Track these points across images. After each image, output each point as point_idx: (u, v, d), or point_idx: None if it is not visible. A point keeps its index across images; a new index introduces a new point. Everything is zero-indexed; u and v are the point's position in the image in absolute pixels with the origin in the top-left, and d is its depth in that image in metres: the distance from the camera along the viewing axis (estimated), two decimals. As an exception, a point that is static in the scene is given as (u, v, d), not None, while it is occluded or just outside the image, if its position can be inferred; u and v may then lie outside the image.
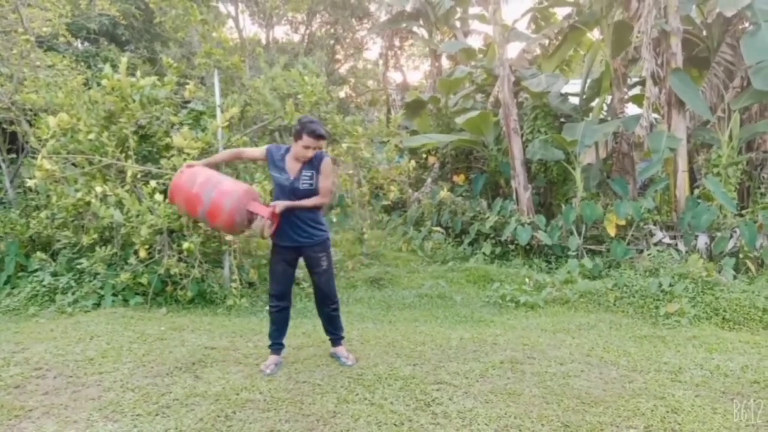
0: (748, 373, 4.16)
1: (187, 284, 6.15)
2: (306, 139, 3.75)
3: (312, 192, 3.86)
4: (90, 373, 3.90)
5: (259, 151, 4.07)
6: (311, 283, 4.26)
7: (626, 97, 10.64)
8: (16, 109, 7.79)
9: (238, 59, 6.98)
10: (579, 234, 8.77)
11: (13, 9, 8.25)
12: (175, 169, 6.19)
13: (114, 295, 6.15)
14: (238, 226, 3.87)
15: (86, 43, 13.36)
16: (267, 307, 4.16)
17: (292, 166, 3.88)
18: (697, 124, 9.54)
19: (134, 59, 12.18)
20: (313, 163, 3.86)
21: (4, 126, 8.52)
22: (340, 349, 4.26)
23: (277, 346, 4.15)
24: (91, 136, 6.27)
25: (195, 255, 6.04)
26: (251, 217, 3.83)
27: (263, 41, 20.92)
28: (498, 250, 9.50)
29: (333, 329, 4.28)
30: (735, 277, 7.04)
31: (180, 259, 6.08)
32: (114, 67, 6.83)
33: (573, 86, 11.80)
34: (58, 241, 6.54)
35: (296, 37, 22.58)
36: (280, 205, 3.77)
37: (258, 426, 3.18)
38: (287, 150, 3.94)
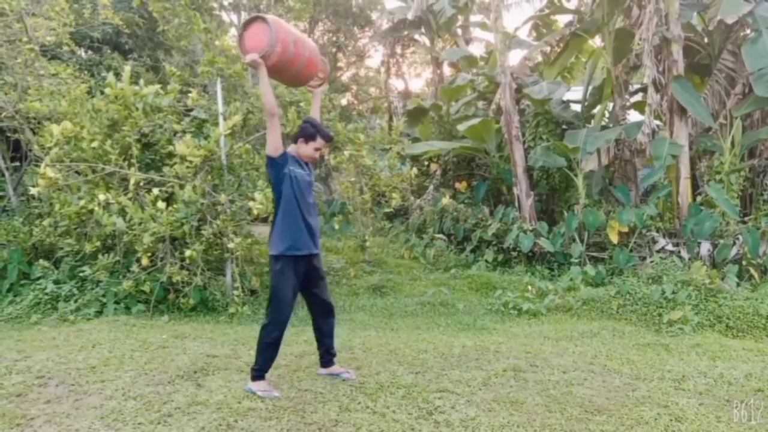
0: (752, 381, 4.14)
1: (190, 292, 6.15)
2: (320, 142, 3.87)
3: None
4: (92, 382, 3.90)
5: (280, 139, 3.82)
6: (311, 300, 4.04)
7: (628, 104, 10.65)
8: (20, 118, 7.84)
9: (241, 67, 7.02)
10: (581, 241, 8.75)
11: (18, 18, 8.31)
12: (178, 177, 6.21)
13: (116, 303, 6.16)
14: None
15: (90, 52, 13.41)
16: (264, 334, 3.76)
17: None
18: (699, 131, 9.53)
19: (137, 68, 12.22)
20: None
21: (8, 134, 8.56)
22: (336, 367, 4.11)
23: (266, 370, 3.87)
24: (95, 144, 6.31)
25: (197, 263, 6.05)
26: None
27: (266, 49, 20.91)
28: (500, 257, 9.49)
29: (331, 342, 4.11)
30: (738, 285, 7.01)
31: (182, 267, 6.09)
32: (117, 75, 6.86)
33: (575, 93, 11.81)
34: (61, 248, 6.55)
35: (298, 45, 22.64)
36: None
37: (260, 435, 3.17)
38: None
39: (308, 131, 3.87)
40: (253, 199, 5.99)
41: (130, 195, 6.22)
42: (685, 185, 8.48)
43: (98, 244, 6.21)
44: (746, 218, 8.37)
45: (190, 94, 6.96)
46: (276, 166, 3.77)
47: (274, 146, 3.75)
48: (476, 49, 17.23)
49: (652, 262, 7.67)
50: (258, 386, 3.75)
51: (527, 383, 4.00)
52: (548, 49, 12.25)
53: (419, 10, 15.33)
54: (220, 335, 5.24)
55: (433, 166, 13.16)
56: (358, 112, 21.54)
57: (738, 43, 8.89)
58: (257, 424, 3.28)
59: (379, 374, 4.11)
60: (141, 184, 6.36)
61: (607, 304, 6.67)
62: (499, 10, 10.25)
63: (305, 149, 3.87)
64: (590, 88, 10.82)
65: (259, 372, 3.79)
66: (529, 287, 7.55)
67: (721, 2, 8.02)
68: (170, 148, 6.41)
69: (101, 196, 6.02)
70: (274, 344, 3.80)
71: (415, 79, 27.17)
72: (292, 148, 3.90)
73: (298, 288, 3.85)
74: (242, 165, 6.87)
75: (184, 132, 6.66)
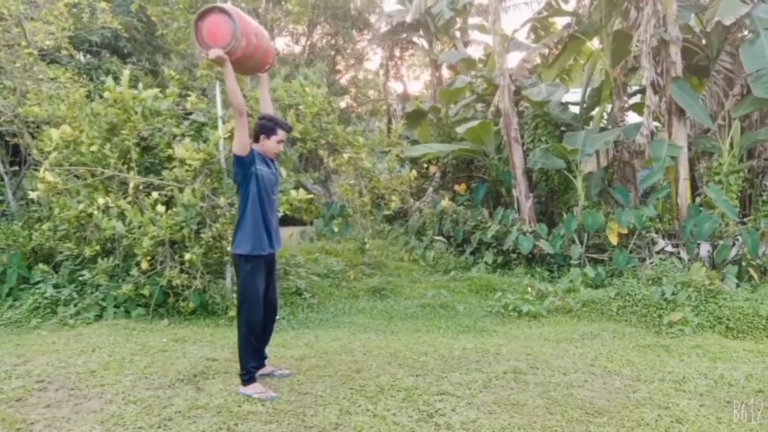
0: (752, 382, 4.14)
1: (189, 295, 6.15)
2: (281, 134, 3.85)
3: None
4: (92, 386, 3.89)
5: (248, 137, 3.78)
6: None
7: (626, 105, 10.67)
8: (19, 122, 7.84)
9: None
10: (581, 243, 8.76)
11: (17, 23, 8.32)
12: (177, 180, 6.22)
13: (116, 306, 6.15)
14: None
15: (88, 56, 13.41)
16: (243, 335, 3.78)
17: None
18: (698, 132, 9.55)
19: (136, 71, 12.23)
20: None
21: (7, 138, 8.57)
22: (268, 367, 4.08)
23: (255, 371, 3.89)
24: (94, 148, 6.31)
25: (197, 266, 6.05)
26: None
27: (264, 52, 20.92)
28: (500, 259, 9.49)
29: (268, 341, 4.13)
30: (738, 286, 7.02)
31: (182, 270, 6.09)
32: (116, 79, 6.86)
33: (573, 95, 11.84)
34: (61, 252, 6.54)
35: (297, 49, 22.67)
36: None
37: (260, 438, 3.16)
38: None
39: (267, 126, 3.85)
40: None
41: (129, 199, 6.21)
42: (684, 186, 8.50)
43: (98, 247, 6.21)
44: (745, 219, 8.38)
45: (189, 98, 6.97)
46: (244, 165, 3.75)
47: (242, 145, 3.71)
48: (475, 52, 17.28)
49: (651, 263, 7.68)
50: (252, 389, 3.74)
51: (528, 385, 3.99)
52: (547, 51, 12.27)
53: (418, 13, 15.37)
54: (220, 338, 5.23)
55: (432, 169, 13.16)
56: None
57: (736, 44, 8.92)
58: (257, 428, 3.27)
59: (380, 377, 4.10)
60: (140, 187, 6.36)
61: (607, 305, 6.67)
62: (497, 12, 10.28)
63: (269, 144, 3.85)
64: (589, 89, 10.85)
65: (248, 374, 3.79)
66: (529, 289, 7.55)
67: (718, 4, 8.05)
68: (169, 151, 6.41)
69: (101, 200, 6.02)
70: (255, 343, 3.86)
71: (414, 81, 27.21)
72: (256, 147, 3.84)
73: (264, 285, 3.90)
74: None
75: (183, 135, 6.66)
